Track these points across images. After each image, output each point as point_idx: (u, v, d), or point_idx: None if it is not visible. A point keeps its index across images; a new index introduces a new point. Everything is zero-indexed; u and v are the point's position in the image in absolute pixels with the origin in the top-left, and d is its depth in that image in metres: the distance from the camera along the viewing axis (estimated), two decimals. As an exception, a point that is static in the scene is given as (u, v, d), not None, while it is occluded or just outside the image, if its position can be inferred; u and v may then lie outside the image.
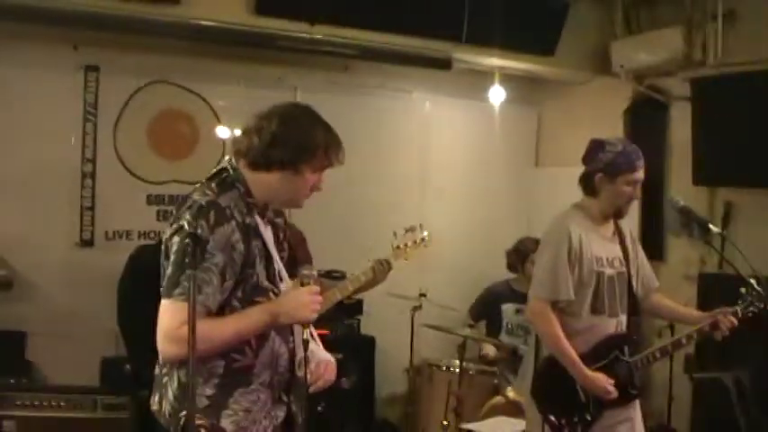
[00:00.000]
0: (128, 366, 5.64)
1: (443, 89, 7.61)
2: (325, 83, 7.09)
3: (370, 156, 7.23)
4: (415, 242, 5.22)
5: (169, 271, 2.93)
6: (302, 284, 3.03)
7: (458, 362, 5.91)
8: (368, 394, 6.65)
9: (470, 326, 6.22)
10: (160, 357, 3.02)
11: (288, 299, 2.98)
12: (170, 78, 6.55)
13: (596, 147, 4.32)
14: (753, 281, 4.16)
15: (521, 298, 6.27)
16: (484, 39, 6.61)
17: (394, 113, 7.53)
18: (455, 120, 7.87)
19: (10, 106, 5.96)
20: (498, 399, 5.96)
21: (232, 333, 2.89)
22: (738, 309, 4.17)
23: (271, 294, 3.02)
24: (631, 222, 6.52)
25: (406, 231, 5.22)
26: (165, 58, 6.45)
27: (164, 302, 2.91)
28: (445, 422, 5.89)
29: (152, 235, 6.46)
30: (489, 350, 6.50)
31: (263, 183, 3.07)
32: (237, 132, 6.71)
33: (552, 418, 4.20)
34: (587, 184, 4.34)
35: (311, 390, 3.04)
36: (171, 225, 3.01)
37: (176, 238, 2.94)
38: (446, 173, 7.75)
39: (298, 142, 3.05)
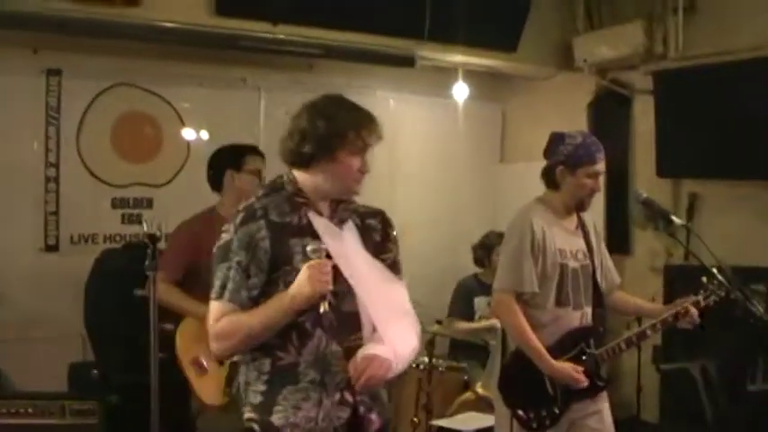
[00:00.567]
0: (95, 371, 5.61)
1: (407, 87, 7.63)
2: (290, 82, 7.07)
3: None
4: None
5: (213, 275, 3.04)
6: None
7: (426, 359, 5.92)
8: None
9: (438, 322, 6.22)
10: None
11: (296, 280, 2.92)
12: (132, 81, 6.50)
13: (556, 140, 4.33)
14: (714, 270, 4.19)
15: (490, 290, 6.30)
16: (446, 36, 6.63)
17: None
18: (420, 117, 7.88)
19: (-29, 112, 5.91)
20: (468, 395, 5.97)
21: (257, 324, 2.91)
22: (700, 298, 4.20)
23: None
24: (597, 216, 6.58)
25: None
26: (127, 60, 6.40)
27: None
28: (415, 419, 5.88)
29: (117, 238, 6.42)
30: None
31: (308, 180, 3.09)
32: (202, 134, 6.75)
33: (520, 412, 4.20)
34: (549, 177, 4.35)
35: (357, 387, 2.94)
36: None
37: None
38: (412, 171, 7.75)
39: (325, 132, 3.05)
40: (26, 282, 6.07)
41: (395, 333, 3.03)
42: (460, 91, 7.37)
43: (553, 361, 4.15)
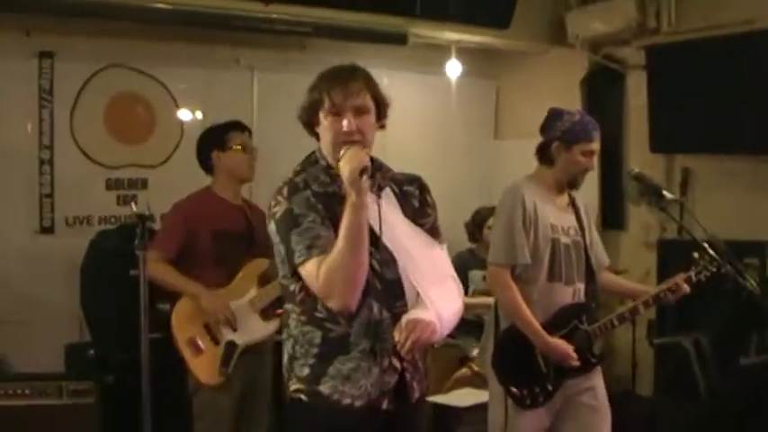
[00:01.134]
0: (92, 352, 5.63)
1: (400, 64, 7.61)
2: (282, 62, 7.07)
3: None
4: None
5: (283, 249, 2.99)
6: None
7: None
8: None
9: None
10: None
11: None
12: (125, 62, 6.49)
13: (554, 116, 4.34)
14: (706, 245, 4.20)
15: (484, 264, 6.33)
16: (438, 13, 6.62)
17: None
18: (413, 95, 7.85)
19: (-36, 95, 5.91)
20: (464, 371, 6.00)
21: (341, 244, 2.84)
22: (692, 273, 4.21)
23: None
24: (591, 191, 6.61)
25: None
26: (119, 41, 6.38)
27: (300, 271, 2.96)
28: (412, 396, 5.90)
29: (112, 220, 6.42)
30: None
31: (325, 149, 3.11)
32: (196, 114, 6.75)
33: (514, 389, 4.22)
34: (544, 153, 4.35)
35: (402, 353, 2.93)
36: None
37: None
38: (406, 148, 7.70)
39: (307, 100, 3.12)
40: (21, 264, 6.08)
41: (438, 296, 3.04)
42: (454, 68, 7.36)
43: (548, 337, 4.15)
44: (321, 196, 3.02)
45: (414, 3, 6.50)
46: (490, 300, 5.83)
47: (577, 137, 4.24)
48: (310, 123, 3.13)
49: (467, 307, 6.45)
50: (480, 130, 8.38)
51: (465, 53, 7.43)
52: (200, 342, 4.60)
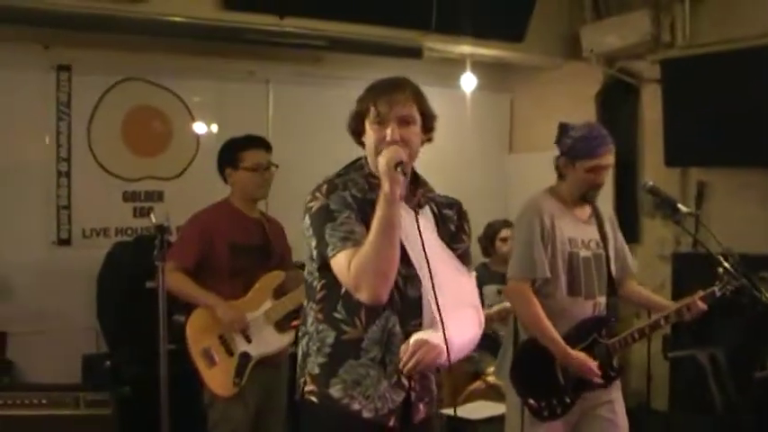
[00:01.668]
0: (108, 363, 5.66)
1: (415, 78, 7.52)
2: (297, 75, 7.11)
3: (345, 146, 7.21)
4: None
5: (314, 242, 3.01)
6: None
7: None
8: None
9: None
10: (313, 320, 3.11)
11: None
12: (142, 75, 6.54)
13: (562, 131, 4.34)
14: (721, 258, 4.19)
15: (498, 278, 6.33)
16: (453, 27, 6.63)
17: (366, 104, 7.52)
18: (428, 108, 7.88)
19: (-17, 108, 5.95)
20: (478, 384, 6.00)
21: (373, 236, 2.85)
22: (716, 289, 4.19)
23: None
24: (606, 205, 6.58)
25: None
26: (136, 55, 6.44)
27: (332, 263, 2.95)
28: (426, 408, 5.91)
29: (129, 232, 6.46)
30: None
31: (369, 159, 3.13)
32: (212, 126, 6.80)
33: (532, 401, 4.22)
34: (556, 167, 4.38)
35: (404, 371, 2.95)
36: None
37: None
38: (420, 161, 7.73)
39: (355, 109, 3.17)
40: (39, 276, 6.10)
41: (453, 322, 3.00)
42: (468, 81, 7.37)
43: (569, 349, 4.15)
44: (358, 201, 3.04)
45: (429, 16, 6.53)
46: (505, 305, 5.85)
47: (579, 154, 4.23)
48: (357, 132, 3.16)
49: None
50: (495, 144, 8.39)
51: (480, 67, 7.44)
52: (214, 353, 4.60)
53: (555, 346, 4.16)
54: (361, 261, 2.84)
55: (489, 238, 6.85)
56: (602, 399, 4.30)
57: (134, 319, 5.48)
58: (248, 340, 4.65)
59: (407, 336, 2.99)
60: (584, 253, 4.29)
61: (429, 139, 3.24)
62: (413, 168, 3.17)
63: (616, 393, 4.37)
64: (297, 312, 4.40)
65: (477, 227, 7.01)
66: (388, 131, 3.01)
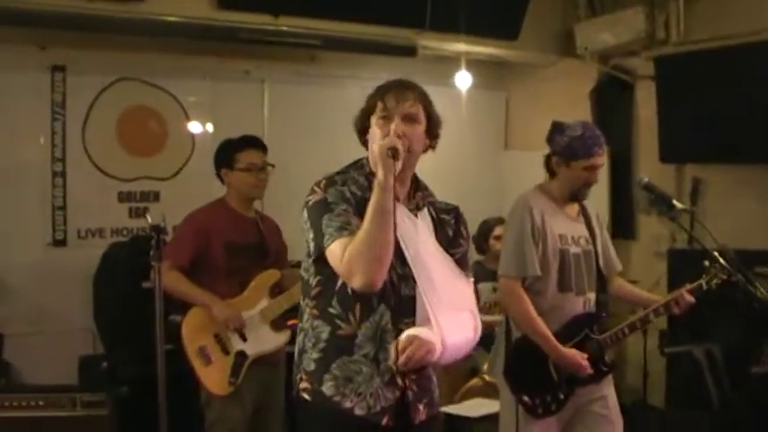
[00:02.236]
0: (105, 363, 5.66)
1: (410, 76, 7.49)
2: (293, 74, 7.11)
3: (340, 145, 7.18)
4: None
5: (311, 234, 3.03)
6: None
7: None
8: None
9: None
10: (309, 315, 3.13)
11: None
12: (137, 75, 6.54)
13: (556, 129, 4.35)
14: (716, 253, 4.20)
15: (493, 276, 6.33)
16: (448, 25, 6.63)
17: (361, 102, 7.47)
18: (423, 106, 7.88)
19: (-23, 109, 5.94)
20: (475, 381, 6.00)
21: (367, 223, 2.86)
22: (703, 282, 4.22)
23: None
24: (601, 201, 6.62)
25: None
26: (131, 55, 6.43)
27: (326, 254, 2.97)
28: (423, 406, 5.91)
29: (125, 232, 6.46)
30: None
31: (371, 154, 3.14)
32: (207, 126, 6.80)
33: (526, 398, 4.23)
34: (547, 165, 4.40)
35: (395, 367, 2.97)
36: None
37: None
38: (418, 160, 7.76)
39: (364, 106, 3.20)
40: (35, 276, 6.11)
41: (446, 322, 3.04)
42: (463, 79, 7.37)
43: (560, 346, 4.17)
44: (357, 198, 3.05)
45: (423, 15, 6.53)
46: (496, 318, 5.88)
47: (576, 154, 4.25)
48: (362, 130, 3.19)
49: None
50: (490, 142, 8.40)
51: (474, 65, 7.45)
52: (210, 352, 4.61)
53: (546, 343, 4.18)
54: (355, 247, 2.86)
55: (484, 235, 6.85)
56: (595, 394, 4.32)
57: (130, 320, 5.48)
58: (244, 339, 4.66)
59: (399, 333, 3.00)
60: (574, 249, 4.31)
61: (432, 147, 3.27)
62: (414, 173, 3.21)
63: (609, 389, 4.39)
64: (293, 311, 4.40)
65: (472, 225, 6.95)
66: (393, 126, 3.04)
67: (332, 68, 7.29)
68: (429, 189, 3.31)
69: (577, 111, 6.86)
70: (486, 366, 5.99)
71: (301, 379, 3.10)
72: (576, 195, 4.37)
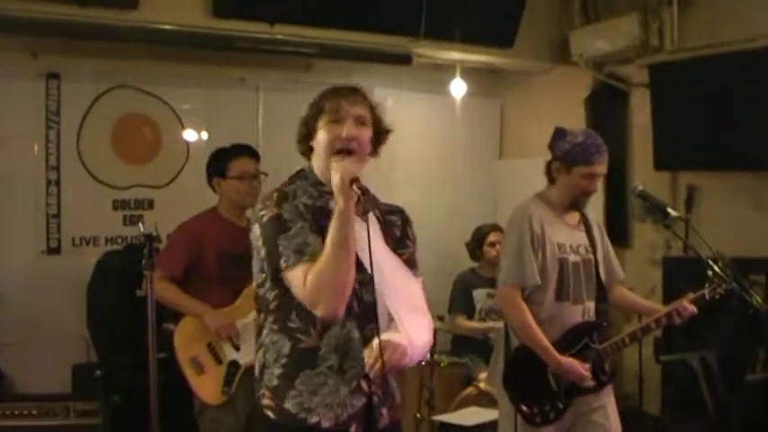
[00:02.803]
0: (98, 372, 5.64)
1: (405, 84, 7.64)
2: (288, 82, 7.10)
3: (335, 153, 7.26)
4: None
5: (264, 252, 3.00)
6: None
7: (429, 354, 5.95)
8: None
9: (439, 318, 6.24)
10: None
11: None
12: (131, 83, 6.53)
13: (558, 135, 4.36)
14: (711, 263, 4.20)
15: (488, 282, 6.36)
16: (443, 33, 6.64)
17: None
18: (418, 114, 7.89)
19: (-29, 117, 5.94)
20: (470, 390, 6.00)
21: (328, 251, 2.86)
22: (706, 292, 4.21)
23: None
24: (596, 209, 6.60)
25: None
26: (125, 63, 6.43)
27: (282, 275, 2.95)
28: (418, 415, 5.92)
29: (119, 240, 6.45)
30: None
31: (315, 166, 3.17)
32: (202, 134, 6.79)
33: (524, 407, 4.23)
34: (548, 171, 4.39)
35: (371, 374, 2.94)
36: None
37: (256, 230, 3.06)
38: (411, 167, 7.77)
39: (308, 113, 3.19)
40: (28, 284, 6.10)
41: (411, 324, 3.04)
42: (458, 87, 7.38)
43: (559, 356, 4.17)
44: (308, 208, 3.04)
45: (418, 23, 6.53)
46: (494, 324, 5.87)
47: (576, 160, 4.25)
48: (307, 137, 3.17)
49: (473, 329, 6.53)
50: (485, 149, 8.39)
51: (469, 73, 7.46)
52: (202, 361, 4.61)
53: (545, 353, 4.17)
54: (318, 279, 2.85)
55: (477, 242, 6.86)
56: (594, 404, 4.32)
57: (124, 328, 5.46)
58: (237, 348, 4.65)
59: (366, 340, 3.00)
60: (573, 258, 4.31)
61: (376, 153, 3.25)
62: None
63: (608, 398, 4.38)
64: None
65: (466, 231, 7.02)
66: (345, 129, 3.05)
67: (327, 76, 7.26)
68: (372, 192, 3.22)
69: (572, 118, 6.86)
70: (481, 374, 5.99)
71: (264, 395, 3.07)
72: (575, 203, 4.37)
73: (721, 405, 5.64)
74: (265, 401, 3.05)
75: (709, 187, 6.61)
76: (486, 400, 5.69)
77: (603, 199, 7.04)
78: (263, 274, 3.06)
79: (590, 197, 4.38)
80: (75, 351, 6.08)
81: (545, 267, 4.23)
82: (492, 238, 6.66)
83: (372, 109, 3.18)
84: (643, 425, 6.26)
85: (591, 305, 4.34)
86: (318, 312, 2.89)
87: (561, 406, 4.26)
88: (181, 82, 6.70)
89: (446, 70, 7.41)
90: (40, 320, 6.05)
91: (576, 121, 6.90)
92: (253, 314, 4.62)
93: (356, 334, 3.01)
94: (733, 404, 5.62)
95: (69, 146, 6.31)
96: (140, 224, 4.02)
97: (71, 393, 5.67)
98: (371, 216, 3.17)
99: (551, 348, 4.17)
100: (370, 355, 2.93)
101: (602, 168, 4.31)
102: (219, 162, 4.89)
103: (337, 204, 2.87)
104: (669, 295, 4.40)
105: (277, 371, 3.03)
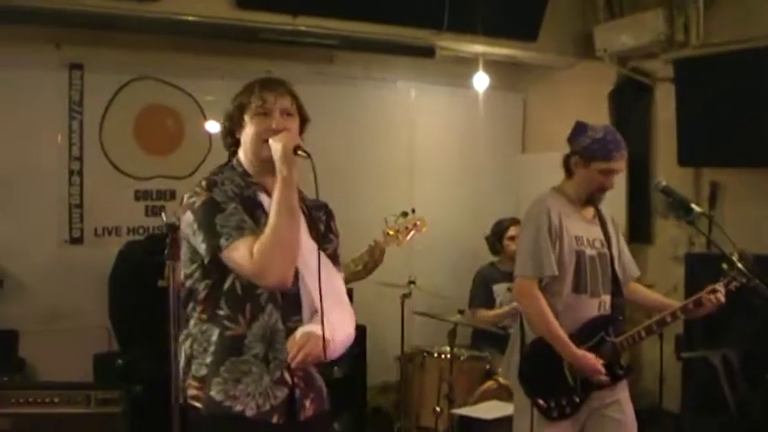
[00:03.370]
0: (120, 361, 5.67)
1: (428, 77, 7.64)
2: (311, 74, 7.10)
3: (358, 145, 7.28)
4: (408, 228, 5.17)
5: (201, 237, 2.99)
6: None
7: (449, 348, 5.95)
8: (360, 383, 6.67)
9: (460, 312, 6.23)
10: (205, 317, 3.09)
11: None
12: (154, 74, 6.56)
13: (579, 129, 4.34)
14: (734, 257, 4.18)
15: (508, 277, 6.34)
16: (466, 26, 6.62)
17: (379, 103, 7.55)
18: (441, 107, 7.89)
19: (-5, 107, 5.96)
20: (490, 383, 5.99)
21: (274, 219, 2.91)
22: (720, 285, 4.18)
23: None
24: (618, 205, 6.59)
25: (399, 217, 5.19)
26: (148, 54, 6.46)
27: (223, 255, 2.95)
28: (438, 408, 5.92)
29: (141, 230, 6.49)
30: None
31: (242, 157, 3.21)
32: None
33: (540, 401, 4.22)
34: (566, 165, 4.38)
35: (293, 364, 3.00)
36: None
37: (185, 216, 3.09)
38: (433, 161, 7.77)
39: (232, 105, 3.22)
40: (51, 274, 6.14)
41: (335, 318, 3.09)
42: (481, 81, 7.35)
43: (576, 349, 4.16)
44: (238, 197, 3.06)
45: (441, 16, 6.51)
46: (514, 305, 5.84)
47: (595, 155, 4.24)
48: (233, 129, 3.21)
49: (495, 319, 6.53)
50: (507, 143, 8.37)
51: (492, 66, 7.43)
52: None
53: (561, 345, 4.16)
54: (267, 246, 2.88)
55: (497, 236, 6.86)
56: (609, 398, 4.30)
57: (145, 318, 5.47)
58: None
59: (290, 332, 3.04)
60: (589, 251, 4.30)
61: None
62: None
63: (624, 393, 4.37)
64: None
65: (487, 227, 7.01)
66: (274, 122, 3.09)
67: (350, 69, 7.30)
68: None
69: (596, 113, 6.83)
70: (501, 369, 5.99)
71: (190, 386, 3.08)
72: (591, 198, 4.36)
73: (742, 403, 5.61)
74: (192, 392, 3.06)
75: (732, 184, 6.57)
76: (505, 393, 5.67)
77: (626, 195, 7.02)
78: (194, 265, 3.07)
79: (605, 193, 4.37)
80: (96, 340, 6.11)
81: (562, 259, 4.22)
82: (512, 232, 6.64)
83: (296, 99, 3.23)
84: (663, 423, 6.23)
85: (607, 299, 4.33)
86: (268, 282, 2.93)
87: (578, 400, 4.24)
88: (204, 73, 6.71)
89: (469, 63, 7.38)
90: (62, 310, 6.09)
91: (599, 116, 6.87)
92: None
93: (281, 325, 3.05)
94: (754, 402, 5.59)
95: (92, 136, 6.34)
96: (162, 215, 4.01)
97: (92, 382, 5.69)
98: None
99: (567, 340, 4.16)
100: (292, 345, 2.99)
101: (620, 165, 4.29)
102: None
103: (280, 173, 2.93)
104: (691, 292, 4.34)
105: (208, 359, 3.05)
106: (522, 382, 4.30)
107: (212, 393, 3.01)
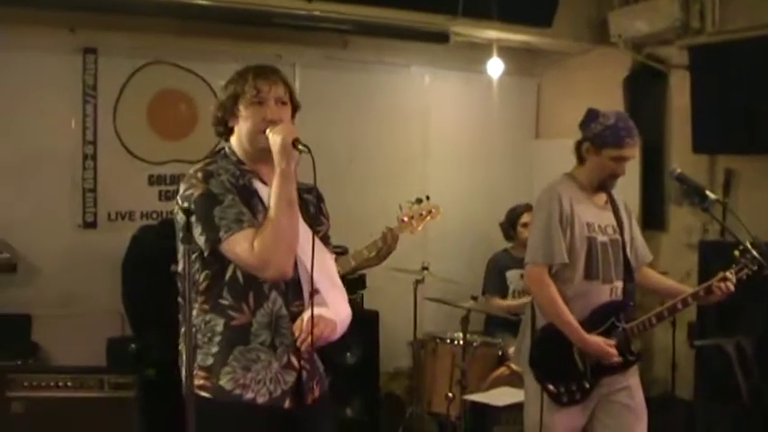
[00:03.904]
0: (133, 346, 5.68)
1: (442, 62, 7.62)
2: (324, 59, 7.10)
3: (371, 131, 7.27)
4: (422, 214, 5.17)
5: (199, 230, 2.99)
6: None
7: (461, 334, 5.95)
8: (372, 368, 6.66)
9: (473, 298, 6.24)
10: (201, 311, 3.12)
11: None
12: (168, 59, 6.54)
13: (591, 116, 4.34)
14: (748, 244, 4.16)
15: (522, 263, 6.32)
16: (480, 11, 6.60)
17: (393, 88, 7.53)
18: (454, 93, 7.87)
19: (9, 91, 5.95)
20: (502, 370, 6.01)
21: (274, 213, 2.95)
22: (732, 272, 4.17)
23: None
24: (632, 192, 6.57)
25: (413, 204, 5.18)
26: (163, 38, 6.44)
27: (222, 247, 2.97)
28: (450, 394, 5.92)
29: (154, 215, 6.48)
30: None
31: (235, 146, 3.23)
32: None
33: (551, 386, 4.24)
34: (577, 151, 4.38)
35: (302, 347, 3.05)
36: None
37: (179, 216, 3.06)
38: (447, 146, 7.75)
39: (226, 94, 3.22)
40: (65, 258, 6.14)
41: (334, 300, 3.15)
42: (495, 66, 7.33)
43: (586, 334, 4.18)
44: (234, 185, 3.07)
45: (456, 1, 6.49)
46: (528, 300, 5.84)
47: (606, 142, 4.25)
48: (226, 118, 3.22)
49: (507, 307, 6.53)
50: (521, 129, 8.35)
51: (507, 52, 7.41)
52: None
53: (571, 331, 4.18)
54: (267, 239, 2.90)
55: (511, 222, 6.87)
56: (619, 384, 4.33)
57: (159, 303, 5.48)
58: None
59: (293, 317, 3.08)
60: (601, 238, 4.31)
61: None
62: None
63: (633, 379, 4.39)
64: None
65: (502, 212, 7.01)
66: (269, 111, 3.10)
67: (364, 54, 7.28)
68: None
69: (610, 99, 6.81)
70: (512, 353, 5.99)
71: (196, 375, 3.06)
72: (603, 185, 4.36)
73: (756, 391, 5.60)
74: (199, 381, 3.06)
75: (747, 171, 6.55)
76: (518, 380, 5.66)
77: (640, 182, 7.00)
78: (192, 256, 3.05)
79: (616, 180, 4.37)
80: (110, 325, 6.12)
81: (573, 246, 4.24)
82: (526, 218, 6.64)
83: (289, 87, 3.24)
84: (675, 410, 6.22)
85: (619, 285, 4.34)
86: (269, 273, 2.95)
87: (588, 385, 4.27)
88: (217, 58, 6.67)
89: (483, 49, 7.36)
90: (75, 294, 6.10)
91: (613, 102, 6.85)
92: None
93: (284, 311, 3.08)
94: (767, 390, 5.58)
95: (106, 121, 6.33)
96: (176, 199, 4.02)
97: (105, 366, 5.71)
98: None
99: (578, 326, 4.18)
100: (300, 328, 3.03)
101: (632, 152, 4.29)
102: None
103: (279, 166, 2.94)
104: (705, 279, 4.33)
105: (214, 349, 3.07)
106: (532, 367, 4.33)
107: (221, 383, 3.03)
